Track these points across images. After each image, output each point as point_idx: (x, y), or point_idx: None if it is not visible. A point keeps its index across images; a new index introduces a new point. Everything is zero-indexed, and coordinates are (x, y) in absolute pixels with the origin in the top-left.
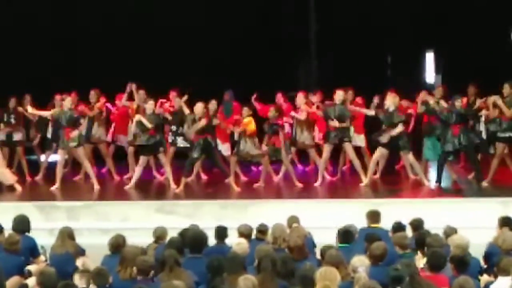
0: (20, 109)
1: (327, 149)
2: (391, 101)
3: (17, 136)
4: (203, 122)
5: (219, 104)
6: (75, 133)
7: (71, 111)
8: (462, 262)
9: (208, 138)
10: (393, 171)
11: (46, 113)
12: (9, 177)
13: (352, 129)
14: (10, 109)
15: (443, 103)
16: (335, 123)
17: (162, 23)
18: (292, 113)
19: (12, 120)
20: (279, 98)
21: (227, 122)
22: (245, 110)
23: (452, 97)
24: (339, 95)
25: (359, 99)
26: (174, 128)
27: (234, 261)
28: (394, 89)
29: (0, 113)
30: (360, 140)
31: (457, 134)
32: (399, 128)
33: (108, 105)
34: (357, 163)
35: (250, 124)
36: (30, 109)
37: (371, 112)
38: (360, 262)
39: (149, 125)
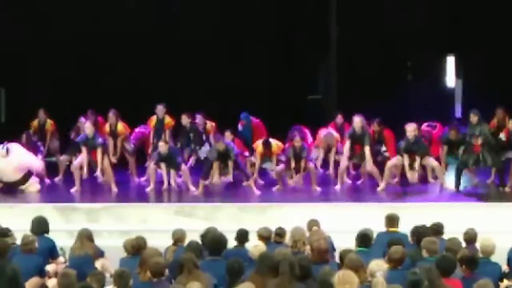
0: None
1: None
2: (411, 133)
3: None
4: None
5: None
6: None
7: (93, 139)
8: (473, 261)
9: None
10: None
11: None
12: (32, 188)
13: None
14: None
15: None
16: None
17: (180, 36)
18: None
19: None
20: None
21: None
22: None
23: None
24: (356, 122)
25: (388, 132)
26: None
27: (264, 262)
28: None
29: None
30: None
31: (478, 151)
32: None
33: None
34: (375, 170)
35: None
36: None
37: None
38: (378, 267)
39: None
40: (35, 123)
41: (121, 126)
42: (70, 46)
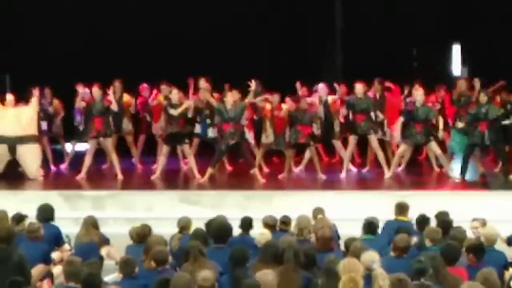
0: (43, 101)
1: (352, 141)
2: (420, 97)
3: (44, 126)
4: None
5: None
6: (106, 123)
7: (101, 102)
8: (480, 250)
9: (240, 129)
10: (417, 163)
11: (81, 103)
12: (35, 171)
13: (385, 122)
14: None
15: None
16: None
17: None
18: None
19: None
20: (303, 91)
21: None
22: (276, 97)
23: (479, 91)
24: (358, 88)
25: (389, 95)
26: (208, 121)
27: (268, 251)
28: (419, 81)
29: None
30: (388, 133)
31: (484, 130)
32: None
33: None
34: (381, 155)
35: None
36: (78, 102)
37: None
38: (371, 258)
39: (175, 113)
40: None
41: (127, 97)
42: (72, 25)
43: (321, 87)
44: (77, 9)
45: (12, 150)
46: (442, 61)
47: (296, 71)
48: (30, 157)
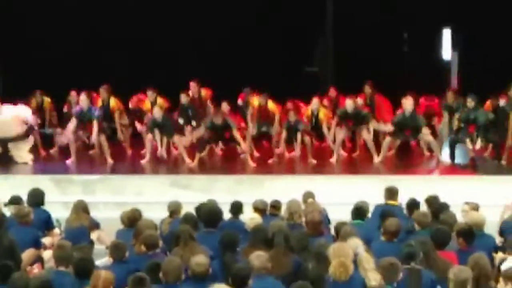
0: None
1: (341, 133)
2: (410, 107)
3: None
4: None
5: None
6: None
7: (89, 111)
8: (470, 234)
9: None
10: (408, 147)
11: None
12: (24, 156)
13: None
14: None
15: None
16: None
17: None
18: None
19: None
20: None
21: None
22: (264, 97)
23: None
24: (349, 104)
25: (379, 97)
26: (194, 123)
27: (257, 234)
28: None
29: None
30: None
31: (472, 132)
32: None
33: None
34: (370, 143)
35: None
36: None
37: (388, 128)
38: (355, 244)
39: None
40: (33, 103)
41: (113, 102)
42: (69, 26)
43: (315, 101)
44: (73, 10)
45: (4, 148)
46: (432, 45)
47: (286, 58)
48: (20, 147)
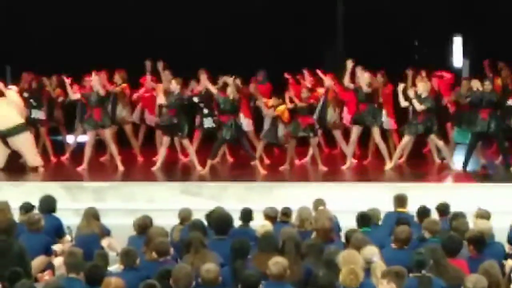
0: (48, 89)
1: (355, 131)
2: (423, 87)
3: (37, 114)
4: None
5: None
6: (105, 113)
7: (99, 92)
8: (481, 242)
9: (237, 120)
10: (419, 155)
11: (76, 96)
12: (34, 160)
13: (384, 112)
14: (32, 90)
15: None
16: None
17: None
18: (321, 75)
19: (32, 101)
20: (307, 77)
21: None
22: (274, 100)
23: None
24: (364, 78)
25: (388, 88)
26: (206, 111)
27: (267, 241)
28: (423, 71)
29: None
30: (390, 124)
31: (486, 118)
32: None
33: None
34: (382, 146)
35: (285, 111)
36: (71, 93)
37: (404, 104)
38: (371, 252)
39: (163, 101)
40: (44, 92)
41: (122, 85)
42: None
43: (328, 78)
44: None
45: (6, 142)
46: (443, 53)
47: (298, 61)
48: (25, 146)
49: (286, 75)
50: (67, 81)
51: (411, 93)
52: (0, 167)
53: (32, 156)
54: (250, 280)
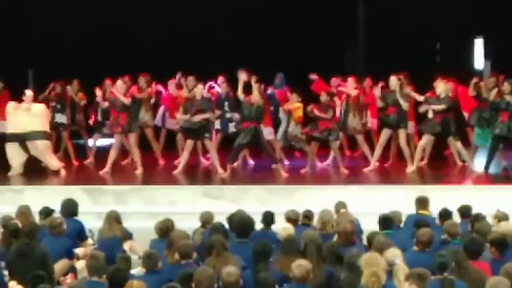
0: (69, 92)
1: (385, 133)
2: (442, 88)
3: (61, 119)
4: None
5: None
6: (131, 118)
7: (124, 101)
8: (504, 244)
9: (258, 127)
10: (441, 157)
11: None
12: (54, 163)
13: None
14: (57, 94)
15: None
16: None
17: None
18: (343, 89)
19: (57, 105)
20: (334, 82)
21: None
22: (294, 96)
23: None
24: (393, 81)
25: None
26: (228, 115)
27: (290, 244)
28: (443, 76)
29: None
30: (409, 126)
31: (505, 121)
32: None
33: (159, 87)
34: (407, 151)
35: (299, 109)
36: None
37: (420, 98)
38: (394, 254)
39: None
40: (67, 96)
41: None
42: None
43: (350, 81)
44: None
45: (24, 147)
46: (465, 55)
47: (319, 64)
48: (43, 153)
49: (312, 76)
50: (108, 83)
51: (420, 97)
52: (19, 172)
53: (50, 161)
54: (266, 283)
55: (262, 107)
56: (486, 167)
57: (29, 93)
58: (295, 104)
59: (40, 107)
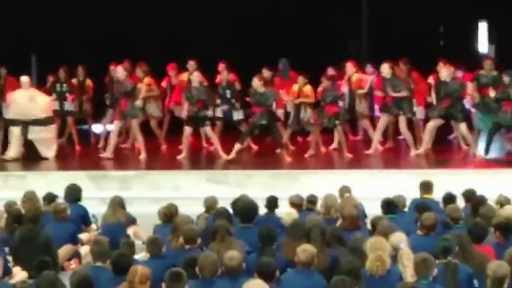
0: (75, 80)
1: (384, 119)
2: (446, 72)
3: (69, 106)
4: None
5: (274, 74)
6: (131, 104)
7: (126, 82)
8: (508, 228)
9: (272, 110)
10: (445, 141)
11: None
12: (49, 153)
13: (414, 101)
14: (61, 79)
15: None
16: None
17: None
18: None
19: (64, 89)
20: (330, 71)
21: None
22: (301, 79)
23: (504, 71)
24: (384, 68)
25: (415, 74)
26: (234, 103)
27: (296, 228)
28: (445, 60)
29: (52, 83)
30: (420, 112)
31: (508, 111)
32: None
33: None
34: (409, 137)
35: (310, 96)
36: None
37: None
38: (399, 239)
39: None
40: (74, 81)
41: (147, 80)
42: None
43: (349, 65)
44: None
45: (24, 132)
46: (469, 39)
47: (322, 52)
48: (44, 138)
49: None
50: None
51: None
52: (16, 157)
53: (44, 148)
54: (268, 267)
55: (275, 95)
56: (486, 152)
57: (24, 78)
58: (305, 88)
59: (46, 97)
